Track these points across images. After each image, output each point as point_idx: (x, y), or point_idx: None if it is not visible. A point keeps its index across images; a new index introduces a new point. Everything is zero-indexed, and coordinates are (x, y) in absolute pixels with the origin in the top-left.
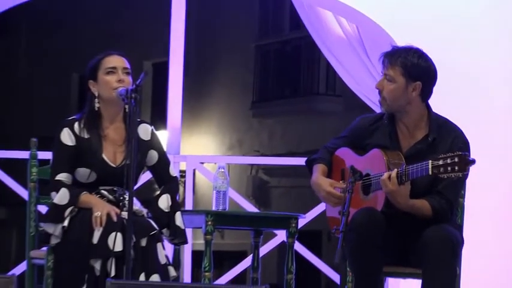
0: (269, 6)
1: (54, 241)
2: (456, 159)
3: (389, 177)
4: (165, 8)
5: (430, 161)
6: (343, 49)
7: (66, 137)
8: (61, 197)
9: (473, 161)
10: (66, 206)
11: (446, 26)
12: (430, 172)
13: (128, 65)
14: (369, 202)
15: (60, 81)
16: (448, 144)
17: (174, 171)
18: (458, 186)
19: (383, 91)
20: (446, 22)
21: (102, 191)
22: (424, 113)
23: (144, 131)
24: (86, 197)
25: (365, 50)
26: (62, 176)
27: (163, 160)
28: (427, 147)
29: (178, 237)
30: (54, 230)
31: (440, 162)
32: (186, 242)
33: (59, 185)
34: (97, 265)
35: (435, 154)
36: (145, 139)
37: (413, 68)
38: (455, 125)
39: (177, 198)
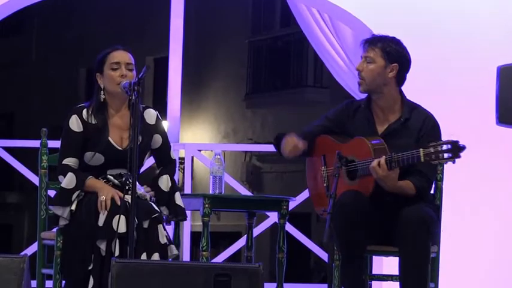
0: (261, 6)
1: (62, 222)
2: (450, 146)
3: (378, 164)
4: (166, 8)
5: (422, 149)
6: (327, 48)
7: (74, 124)
8: (68, 181)
9: (464, 147)
10: (73, 190)
11: (427, 21)
12: (422, 159)
13: (131, 61)
14: (356, 186)
15: (69, 76)
16: (419, 124)
17: (174, 155)
18: (435, 165)
19: (362, 72)
20: (427, 18)
21: (109, 176)
22: (398, 97)
23: (150, 116)
24: (92, 182)
25: (343, 48)
26: (69, 161)
27: (166, 144)
28: (400, 127)
29: (178, 215)
30: (63, 213)
31: (432, 150)
32: (185, 219)
33: (66, 169)
34: (102, 246)
35: (408, 133)
36: (151, 123)
37: (392, 51)
38: (426, 109)
39: (176, 180)
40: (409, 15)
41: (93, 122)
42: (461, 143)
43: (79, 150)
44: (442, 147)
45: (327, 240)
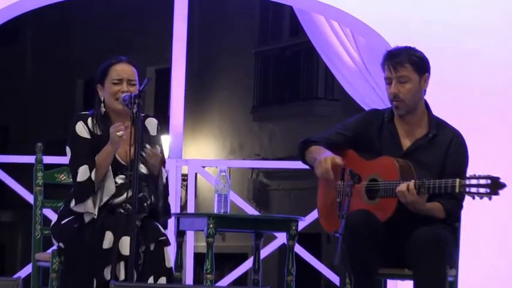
0: (268, 15)
1: (87, 218)
2: (489, 181)
3: (407, 188)
4: (168, 16)
5: (458, 180)
6: (340, 56)
7: (82, 130)
8: (82, 173)
9: (505, 185)
10: (90, 176)
11: (439, 28)
12: (457, 190)
13: (134, 75)
14: (375, 207)
15: (65, 88)
16: (447, 142)
17: None
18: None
19: (400, 94)
20: (439, 24)
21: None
22: (425, 111)
23: (151, 126)
24: (99, 155)
25: (362, 58)
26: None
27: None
28: (427, 143)
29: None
30: (85, 208)
31: (470, 182)
32: (170, 216)
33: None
34: (107, 269)
35: (435, 150)
36: (153, 134)
37: (417, 61)
38: (453, 126)
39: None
40: (420, 26)
41: (98, 133)
42: (502, 180)
43: (91, 157)
44: (480, 181)
45: (338, 263)
